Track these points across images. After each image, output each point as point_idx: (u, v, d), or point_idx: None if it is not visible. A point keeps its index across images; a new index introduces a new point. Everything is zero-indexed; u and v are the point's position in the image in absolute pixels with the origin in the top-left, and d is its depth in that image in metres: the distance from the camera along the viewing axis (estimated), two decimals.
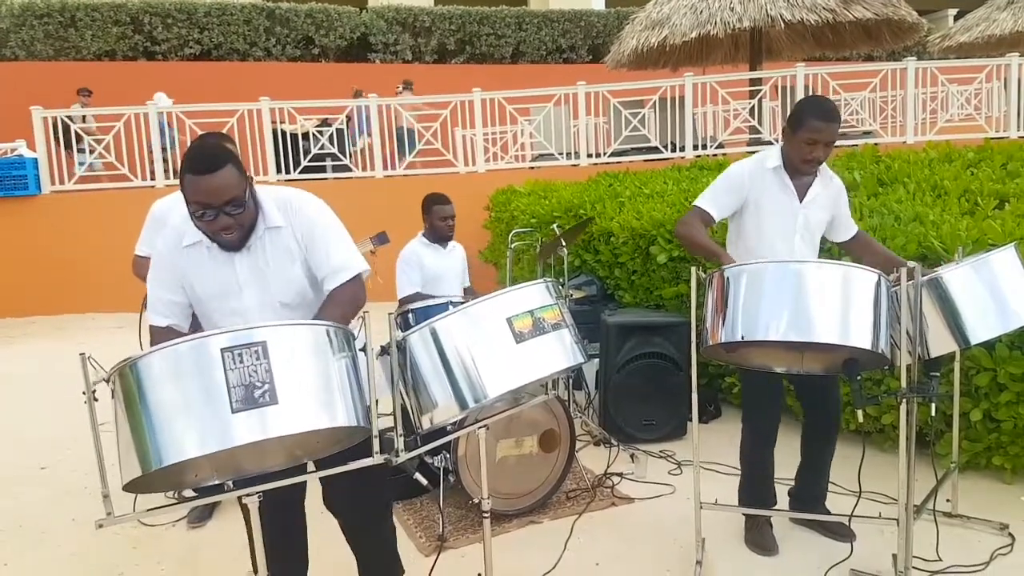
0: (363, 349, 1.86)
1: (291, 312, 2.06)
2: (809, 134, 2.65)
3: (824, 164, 2.80)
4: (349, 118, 9.75)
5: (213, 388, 1.55)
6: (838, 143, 9.67)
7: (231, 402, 1.55)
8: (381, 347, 1.96)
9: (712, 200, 2.80)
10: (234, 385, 1.56)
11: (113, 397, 1.64)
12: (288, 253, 2.04)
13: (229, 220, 1.91)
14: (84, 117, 9.50)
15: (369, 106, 9.38)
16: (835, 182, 2.87)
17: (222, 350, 1.57)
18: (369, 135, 9.64)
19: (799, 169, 2.73)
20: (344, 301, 1.99)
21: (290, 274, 2.05)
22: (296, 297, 2.07)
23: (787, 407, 3.43)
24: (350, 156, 9.72)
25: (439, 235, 4.06)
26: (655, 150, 9.60)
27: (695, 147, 9.57)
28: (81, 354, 1.63)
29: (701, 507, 2.76)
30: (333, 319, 1.80)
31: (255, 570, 1.88)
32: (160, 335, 2.04)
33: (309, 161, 9.32)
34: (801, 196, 2.77)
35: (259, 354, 1.60)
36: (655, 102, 9.73)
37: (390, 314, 1.95)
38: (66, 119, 9.03)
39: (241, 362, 1.57)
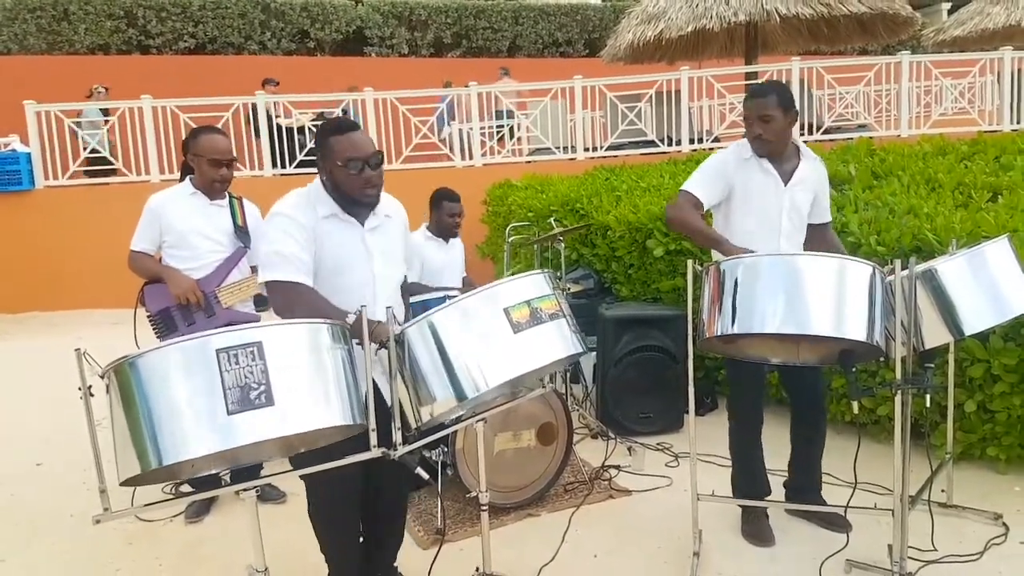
0: (360, 343, 1.87)
1: (398, 294, 2.34)
2: (744, 114, 2.79)
3: (806, 147, 2.88)
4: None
5: (209, 389, 1.56)
6: (832, 137, 9.65)
7: (227, 403, 1.56)
8: (379, 341, 1.96)
9: (700, 186, 2.83)
10: (230, 386, 1.57)
11: (108, 393, 1.64)
12: (401, 239, 2.40)
13: (374, 173, 2.16)
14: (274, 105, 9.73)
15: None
16: (820, 166, 2.92)
17: (218, 351, 1.58)
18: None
19: (757, 153, 2.79)
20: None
21: (401, 257, 2.40)
22: (403, 273, 2.39)
23: (781, 399, 3.45)
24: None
25: (445, 230, 4.07)
26: (651, 144, 9.60)
27: (691, 141, 9.58)
28: (76, 350, 1.63)
29: (698, 499, 2.77)
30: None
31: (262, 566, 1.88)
32: (307, 293, 2.11)
33: (305, 155, 9.29)
34: (786, 179, 2.81)
35: (255, 355, 1.60)
36: (651, 96, 9.72)
37: (388, 308, 1.96)
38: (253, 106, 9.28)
39: (237, 363, 1.58)
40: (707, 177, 2.84)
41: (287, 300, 2.11)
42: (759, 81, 9.57)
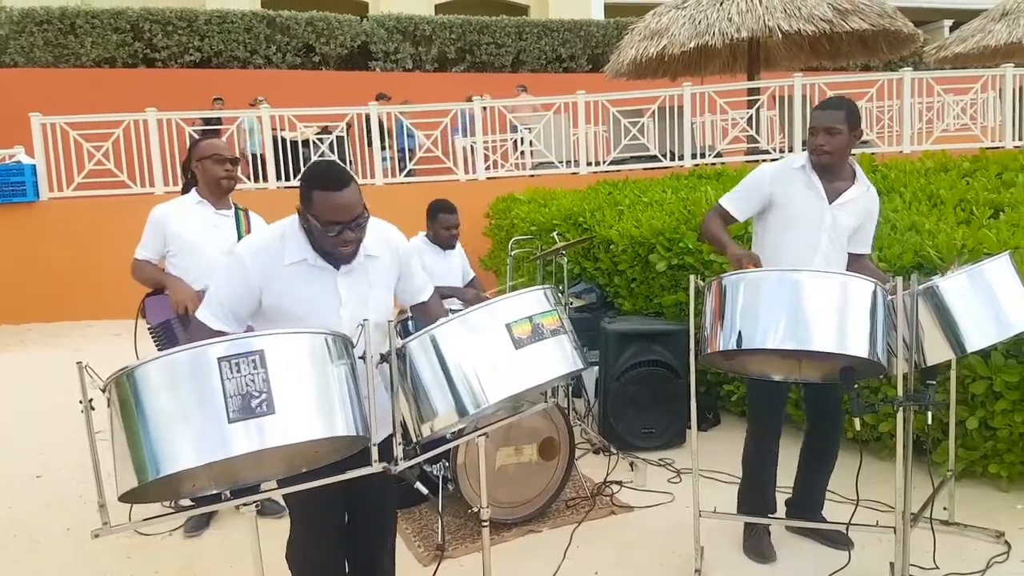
0: (362, 357, 1.87)
1: (375, 330, 2.12)
2: (811, 124, 2.78)
3: (861, 172, 2.84)
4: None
5: (210, 397, 1.55)
6: None
7: (228, 412, 1.54)
8: (380, 355, 1.96)
9: (734, 199, 2.88)
10: (231, 395, 1.55)
11: (109, 406, 1.64)
12: (385, 279, 2.22)
13: (353, 235, 2.03)
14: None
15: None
16: (871, 194, 2.86)
17: (219, 359, 1.57)
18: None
19: (814, 164, 2.76)
20: (439, 306, 2.42)
21: (384, 297, 2.23)
22: (383, 316, 2.20)
23: (787, 416, 3.43)
24: (350, 164, 9.73)
25: (442, 242, 4.08)
26: (654, 159, 9.63)
27: (693, 156, 9.61)
28: (78, 363, 1.62)
29: (700, 515, 2.77)
30: (441, 315, 2.29)
31: None
32: (211, 335, 2.03)
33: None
34: (831, 198, 2.77)
35: (256, 363, 1.59)
36: (654, 111, 9.77)
37: (389, 321, 1.96)
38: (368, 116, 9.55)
39: (238, 371, 1.57)
40: (742, 190, 2.88)
41: (189, 337, 2.12)
42: (760, 97, 9.67)
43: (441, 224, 4.04)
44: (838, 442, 3.01)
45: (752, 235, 2.96)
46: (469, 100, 10.50)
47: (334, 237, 2.00)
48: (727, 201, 2.88)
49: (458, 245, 4.24)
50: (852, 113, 2.73)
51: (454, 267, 4.16)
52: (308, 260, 2.07)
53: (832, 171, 2.77)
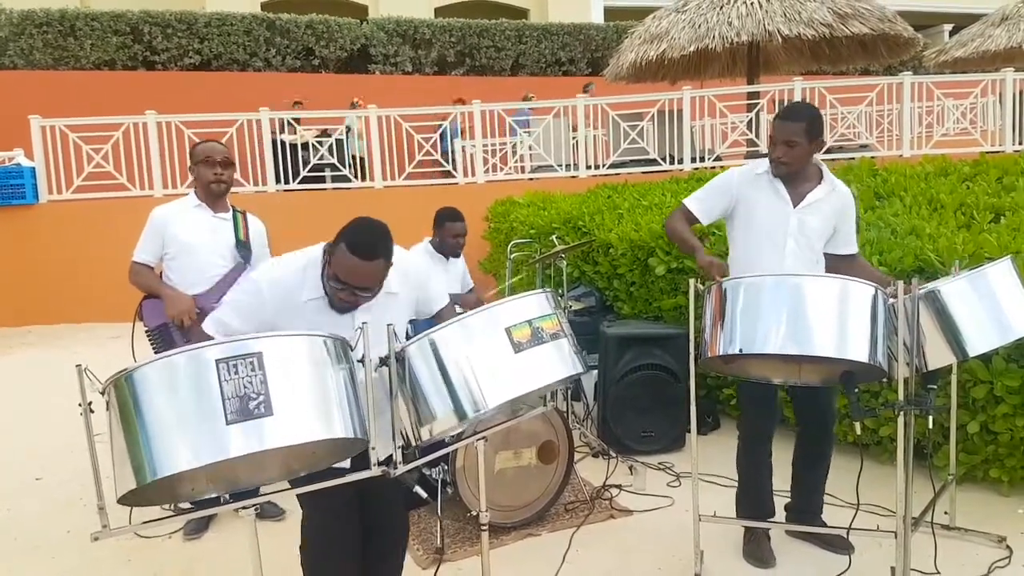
0: (361, 360, 1.86)
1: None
2: (770, 134, 2.78)
3: (829, 173, 2.82)
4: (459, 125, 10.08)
5: (208, 399, 1.55)
6: (834, 156, 9.66)
7: (226, 413, 1.54)
8: (380, 358, 1.96)
9: (697, 200, 2.91)
10: (229, 396, 1.55)
11: (108, 409, 1.64)
12: (403, 313, 2.28)
13: (354, 299, 2.06)
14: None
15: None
16: (840, 191, 2.82)
17: (216, 361, 1.57)
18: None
19: (774, 173, 2.76)
20: (451, 312, 2.40)
21: (400, 329, 2.23)
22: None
23: (785, 418, 3.43)
24: (350, 167, 9.74)
25: (448, 250, 4.07)
26: (653, 162, 9.64)
27: (693, 159, 9.61)
28: (77, 365, 1.62)
29: (700, 519, 2.76)
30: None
31: None
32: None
33: (308, 171, 9.34)
34: (796, 201, 2.76)
35: (254, 365, 1.59)
36: (653, 115, 9.77)
37: (388, 325, 1.95)
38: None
39: (236, 373, 1.57)
40: (707, 193, 2.91)
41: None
42: (760, 101, 9.67)
43: (448, 232, 4.03)
44: (831, 445, 3.01)
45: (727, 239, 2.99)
46: (526, 99, 10.53)
47: (337, 290, 2.05)
48: (692, 202, 2.91)
49: (460, 257, 4.24)
50: (812, 124, 2.69)
51: (455, 277, 4.16)
52: (323, 298, 2.11)
53: (795, 175, 2.76)
